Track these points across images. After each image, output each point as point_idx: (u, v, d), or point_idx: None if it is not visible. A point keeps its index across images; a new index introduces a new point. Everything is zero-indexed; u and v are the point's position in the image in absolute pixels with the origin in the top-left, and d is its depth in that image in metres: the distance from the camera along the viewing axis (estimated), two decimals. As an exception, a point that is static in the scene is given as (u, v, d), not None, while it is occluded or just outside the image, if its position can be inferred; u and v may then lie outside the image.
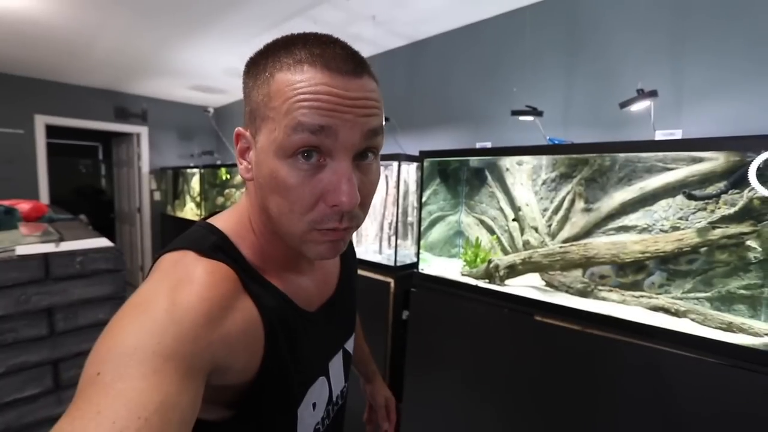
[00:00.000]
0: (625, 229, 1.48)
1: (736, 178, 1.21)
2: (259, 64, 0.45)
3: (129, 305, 0.38)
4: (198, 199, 4.28)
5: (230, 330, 0.40)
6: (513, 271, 1.60)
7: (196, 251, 0.44)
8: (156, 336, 0.34)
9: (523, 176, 1.79)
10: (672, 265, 1.35)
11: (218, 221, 0.50)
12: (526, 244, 1.73)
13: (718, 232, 1.23)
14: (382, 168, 2.27)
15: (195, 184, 4.43)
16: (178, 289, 0.38)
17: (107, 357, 0.33)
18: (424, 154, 1.83)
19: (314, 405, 0.54)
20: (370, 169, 0.45)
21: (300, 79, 0.40)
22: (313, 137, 0.39)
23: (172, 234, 4.59)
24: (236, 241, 0.48)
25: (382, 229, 2.26)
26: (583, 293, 1.46)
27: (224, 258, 0.44)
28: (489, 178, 1.94)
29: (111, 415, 0.29)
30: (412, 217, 2.16)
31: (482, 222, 1.98)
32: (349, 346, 0.65)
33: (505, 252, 1.84)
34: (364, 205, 0.46)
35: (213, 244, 0.45)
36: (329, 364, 0.58)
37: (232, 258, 0.45)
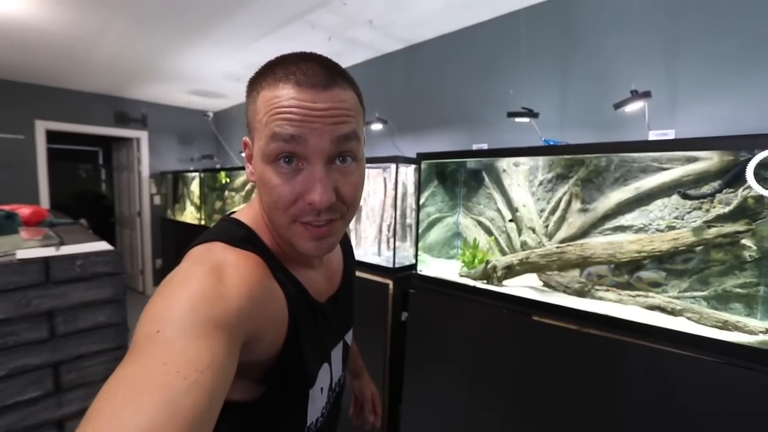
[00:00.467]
0: (622, 228, 1.49)
1: (730, 177, 1.21)
2: (252, 84, 0.51)
3: (174, 281, 0.44)
4: (198, 202, 4.30)
5: (264, 310, 0.46)
6: (511, 271, 1.61)
7: (226, 242, 0.49)
8: (207, 304, 0.39)
9: (520, 177, 1.81)
10: (668, 264, 1.35)
11: (242, 216, 0.55)
12: (524, 245, 1.74)
13: (713, 231, 1.24)
14: (380, 170, 2.29)
15: (195, 188, 4.45)
16: (221, 270, 0.44)
17: (166, 317, 0.38)
18: (421, 156, 1.84)
19: (321, 389, 0.59)
20: (348, 170, 0.50)
21: (276, 95, 0.46)
22: (287, 145, 0.46)
23: (173, 238, 4.61)
24: (260, 234, 0.53)
25: (380, 231, 2.26)
26: (581, 293, 1.47)
27: (253, 249, 0.50)
28: (486, 179, 1.95)
29: (175, 366, 0.33)
30: (410, 219, 2.17)
31: (480, 223, 1.99)
32: (348, 338, 0.71)
33: (503, 253, 1.85)
34: (350, 202, 0.51)
35: (243, 237, 0.51)
36: (331, 352, 0.63)
37: (259, 249, 0.51)
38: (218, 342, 0.37)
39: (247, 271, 0.45)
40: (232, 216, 0.56)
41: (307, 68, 0.48)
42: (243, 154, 0.55)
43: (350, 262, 0.74)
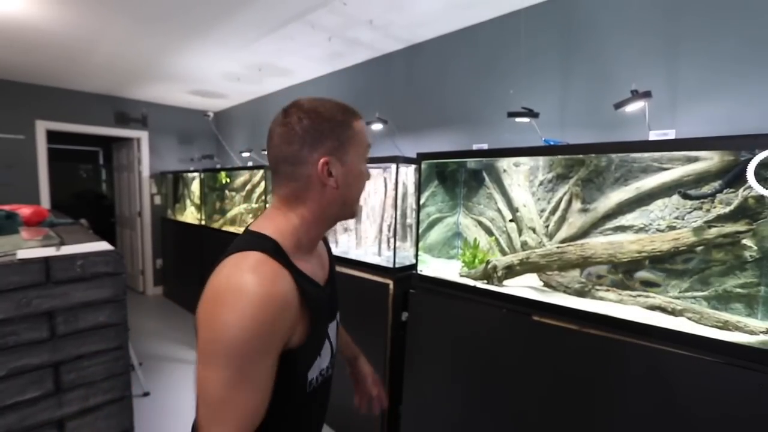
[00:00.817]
0: (622, 229, 1.49)
1: (731, 177, 1.21)
2: (341, 121, 0.71)
3: (234, 293, 0.56)
4: (198, 202, 4.30)
5: (292, 314, 0.61)
6: (511, 271, 1.61)
7: (261, 251, 0.61)
8: (262, 333, 0.56)
9: (521, 177, 1.81)
10: (668, 265, 1.35)
11: (266, 230, 0.67)
12: (524, 245, 1.74)
13: (713, 231, 1.24)
14: (380, 170, 2.29)
15: (195, 188, 4.45)
16: (268, 294, 0.57)
17: (240, 345, 0.55)
18: (421, 156, 1.84)
19: (321, 354, 0.73)
20: None
21: (361, 128, 0.74)
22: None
23: (173, 238, 4.61)
24: (285, 243, 0.66)
25: (381, 231, 2.26)
26: (581, 293, 1.47)
27: (280, 259, 0.62)
28: (486, 179, 1.95)
29: (259, 383, 0.57)
30: (410, 219, 2.17)
31: (480, 223, 1.99)
32: (338, 317, 0.84)
33: (503, 253, 1.85)
34: None
35: (273, 248, 0.63)
36: (329, 326, 0.77)
37: (284, 259, 0.64)
38: (276, 352, 0.59)
39: (283, 291, 0.60)
40: (255, 229, 0.68)
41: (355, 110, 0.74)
42: (321, 175, 0.69)
43: (331, 256, 0.90)
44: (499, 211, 1.89)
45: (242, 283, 0.56)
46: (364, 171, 0.74)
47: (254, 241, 0.65)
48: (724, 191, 1.23)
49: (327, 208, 0.71)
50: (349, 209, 0.74)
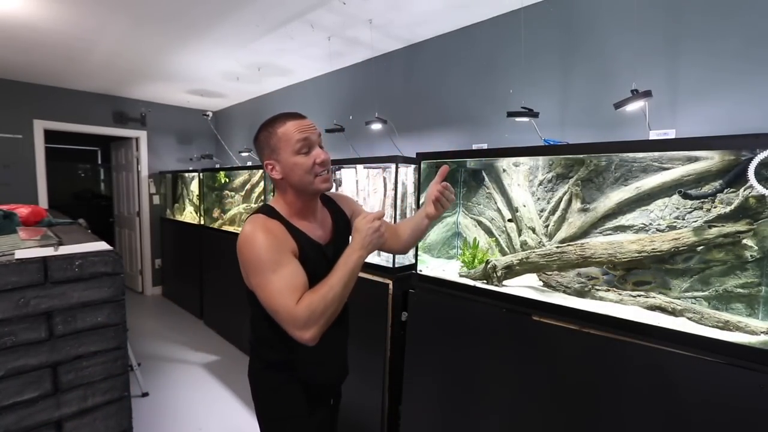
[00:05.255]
0: (622, 228, 1.49)
1: (731, 177, 1.21)
2: (265, 134, 1.01)
3: (248, 238, 0.92)
4: (197, 202, 4.29)
5: (284, 235, 0.96)
6: (510, 271, 1.61)
7: (265, 214, 0.98)
8: (272, 249, 0.91)
9: (520, 177, 1.80)
10: (668, 265, 1.35)
11: (271, 203, 1.04)
12: (524, 245, 1.73)
13: (714, 231, 1.24)
14: (380, 170, 2.29)
15: (194, 187, 4.44)
16: (266, 230, 0.93)
17: (268, 261, 0.90)
18: (421, 156, 1.83)
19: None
20: (323, 148, 1.03)
21: (289, 127, 0.98)
22: (305, 143, 0.98)
23: (172, 238, 4.60)
24: (279, 209, 1.02)
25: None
26: (581, 293, 1.47)
27: (277, 217, 0.99)
28: (486, 179, 1.95)
29: (295, 268, 0.93)
30: (410, 219, 2.16)
31: (480, 223, 1.99)
32: None
33: (503, 253, 1.85)
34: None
35: (269, 211, 1.00)
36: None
37: (279, 217, 0.99)
38: (290, 255, 0.94)
39: (277, 228, 0.96)
40: (266, 204, 1.05)
41: (288, 114, 1.00)
42: (270, 173, 1.01)
43: (338, 219, 1.14)
44: (498, 211, 1.89)
45: (250, 231, 0.93)
46: (297, 161, 0.97)
47: (260, 209, 1.02)
48: (725, 191, 1.23)
49: (290, 189, 1.01)
50: (302, 187, 0.99)
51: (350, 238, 0.99)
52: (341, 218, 1.15)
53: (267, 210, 1.00)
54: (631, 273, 1.43)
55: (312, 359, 1.03)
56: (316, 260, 0.98)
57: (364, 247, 0.92)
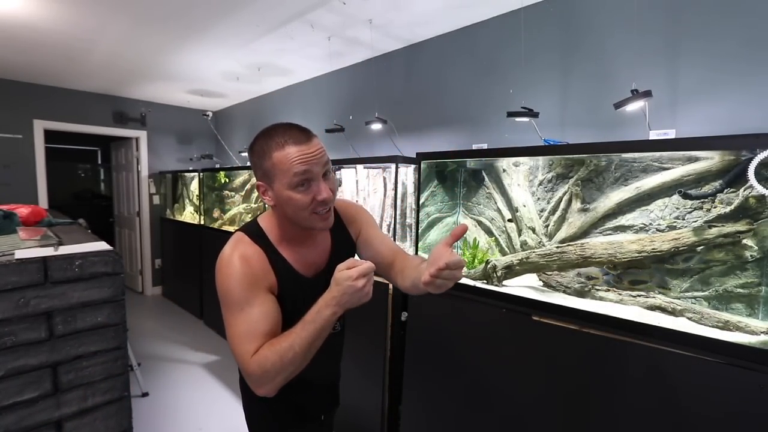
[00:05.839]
0: (622, 228, 1.49)
1: (731, 177, 1.21)
2: (258, 150, 0.85)
3: (223, 263, 0.84)
4: (197, 202, 4.29)
5: (261, 267, 0.85)
6: (510, 271, 1.61)
7: (248, 235, 0.88)
8: (248, 279, 0.82)
9: (520, 177, 1.80)
10: (668, 265, 1.35)
11: (261, 221, 0.92)
12: (524, 245, 1.73)
13: (714, 231, 1.24)
14: (380, 170, 2.29)
15: (194, 187, 4.44)
16: (243, 259, 0.83)
17: (236, 297, 0.81)
18: (421, 156, 1.83)
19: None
20: (331, 179, 0.86)
21: (286, 153, 0.80)
22: (303, 176, 0.80)
23: (172, 238, 4.60)
24: (267, 231, 0.90)
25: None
26: (581, 293, 1.47)
27: (260, 242, 0.88)
28: (486, 179, 1.95)
29: (265, 311, 0.82)
30: (410, 219, 2.16)
31: (480, 223, 1.99)
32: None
33: (503, 253, 1.85)
34: (334, 197, 0.87)
35: (256, 233, 0.89)
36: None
37: (264, 241, 0.88)
38: (268, 297, 0.84)
39: (256, 259, 0.85)
40: (257, 219, 0.94)
41: (292, 132, 0.81)
42: (262, 196, 0.87)
43: (338, 244, 1.00)
44: (498, 211, 1.89)
45: (228, 256, 0.84)
46: (294, 196, 0.81)
47: (249, 226, 0.92)
48: (725, 191, 1.23)
49: (282, 216, 0.88)
50: (297, 222, 0.86)
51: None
52: (344, 245, 1.00)
53: (253, 231, 0.89)
54: (627, 272, 1.43)
55: (297, 387, 0.90)
56: (297, 296, 0.88)
57: (339, 304, 0.75)
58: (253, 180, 3.66)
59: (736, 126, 1.43)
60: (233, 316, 0.80)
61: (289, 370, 0.76)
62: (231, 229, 3.60)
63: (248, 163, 3.89)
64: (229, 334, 0.81)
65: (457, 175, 2.06)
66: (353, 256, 0.95)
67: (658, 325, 1.16)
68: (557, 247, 1.52)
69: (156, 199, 4.87)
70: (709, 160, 1.26)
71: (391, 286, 1.87)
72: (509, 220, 1.83)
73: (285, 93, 3.83)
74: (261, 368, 0.75)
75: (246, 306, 0.80)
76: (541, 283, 1.60)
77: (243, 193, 3.72)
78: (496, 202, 1.90)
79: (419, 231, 1.86)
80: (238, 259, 0.82)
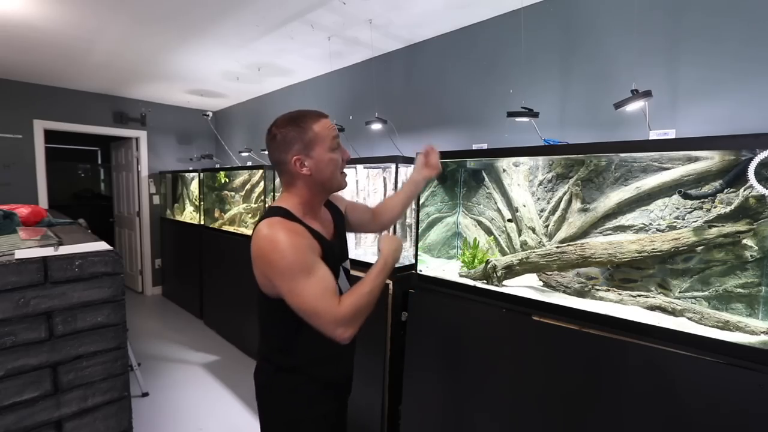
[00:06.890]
0: (622, 228, 1.49)
1: (731, 177, 1.21)
2: (299, 126, 0.99)
3: (273, 244, 0.89)
4: (197, 202, 4.29)
5: (308, 236, 0.95)
6: (510, 271, 1.61)
7: (281, 217, 0.95)
8: (304, 251, 0.91)
9: (520, 177, 1.80)
10: (668, 265, 1.35)
11: (280, 203, 1.01)
12: (524, 245, 1.73)
13: (714, 231, 1.24)
14: (380, 170, 2.29)
15: (194, 187, 4.44)
16: (292, 233, 0.91)
17: (301, 264, 0.89)
18: (421, 156, 1.83)
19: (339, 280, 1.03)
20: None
21: (325, 125, 1.01)
22: (337, 140, 1.03)
23: (172, 238, 4.60)
24: (293, 210, 0.99)
25: (380, 230, 2.26)
26: (581, 293, 1.47)
27: (293, 218, 0.96)
28: (486, 179, 1.95)
29: (328, 279, 0.93)
30: (410, 219, 2.16)
31: (480, 223, 1.99)
32: (347, 265, 1.16)
33: (503, 253, 1.85)
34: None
35: (283, 213, 0.97)
36: (341, 267, 1.09)
37: (294, 218, 0.97)
38: (317, 256, 0.94)
39: (300, 230, 0.94)
40: (276, 204, 1.02)
41: (314, 111, 1.02)
42: (298, 170, 0.99)
43: (336, 217, 1.17)
44: (498, 210, 1.89)
45: (273, 233, 0.90)
46: (334, 156, 1.00)
47: (272, 211, 0.98)
48: (725, 191, 1.23)
49: (312, 187, 1.02)
50: (329, 183, 1.03)
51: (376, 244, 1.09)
52: (337, 216, 1.19)
53: (281, 212, 0.97)
54: (619, 270, 1.44)
55: (331, 358, 1.06)
56: (329, 256, 1.00)
57: (393, 258, 1.06)
58: (254, 179, 3.66)
59: (736, 126, 1.43)
60: (305, 282, 0.88)
61: (368, 311, 0.95)
62: (231, 229, 3.61)
63: (248, 163, 3.90)
64: (305, 297, 0.88)
65: (457, 175, 2.06)
66: (344, 224, 1.22)
67: (658, 325, 1.16)
68: (557, 247, 1.52)
69: (156, 199, 4.87)
70: (709, 160, 1.26)
71: (391, 286, 1.87)
72: (509, 220, 1.83)
73: (285, 93, 3.83)
74: (354, 309, 0.90)
75: (313, 269, 0.90)
76: (541, 283, 1.60)
77: (243, 193, 3.72)
78: (496, 202, 1.90)
79: (419, 231, 1.86)
80: (287, 235, 0.89)
